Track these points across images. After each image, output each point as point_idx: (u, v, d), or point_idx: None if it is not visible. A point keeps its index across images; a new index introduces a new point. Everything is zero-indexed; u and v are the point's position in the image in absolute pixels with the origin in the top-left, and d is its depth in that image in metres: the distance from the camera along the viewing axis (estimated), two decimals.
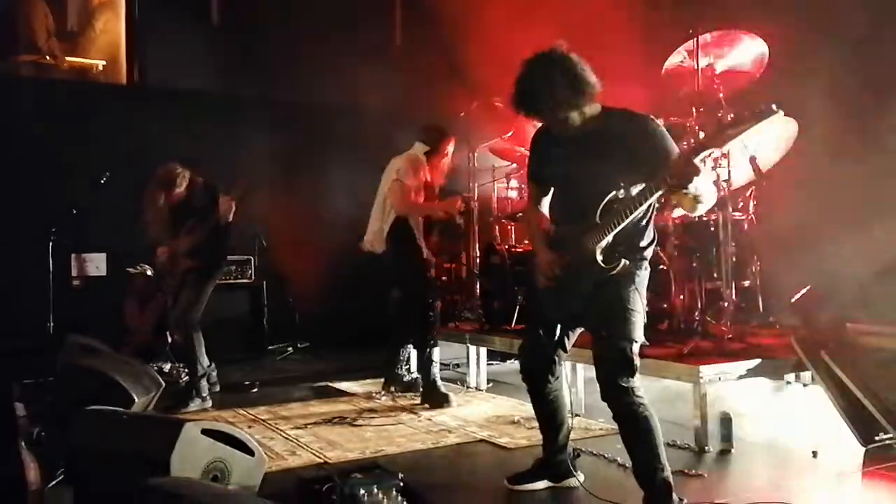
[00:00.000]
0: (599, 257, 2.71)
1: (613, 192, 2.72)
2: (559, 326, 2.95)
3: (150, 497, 2.37)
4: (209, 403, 4.83)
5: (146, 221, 4.98)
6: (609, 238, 2.70)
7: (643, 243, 2.81)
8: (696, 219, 4.66)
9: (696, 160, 2.52)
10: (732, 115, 2.57)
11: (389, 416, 4.46)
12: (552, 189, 3.00)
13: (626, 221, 2.67)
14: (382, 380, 5.24)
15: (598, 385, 2.78)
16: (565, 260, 2.82)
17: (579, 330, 3.02)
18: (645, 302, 2.81)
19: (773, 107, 2.42)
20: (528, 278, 3.14)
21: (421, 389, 4.88)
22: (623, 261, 2.71)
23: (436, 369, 4.84)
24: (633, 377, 2.71)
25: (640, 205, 2.65)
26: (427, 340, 4.85)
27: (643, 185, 2.68)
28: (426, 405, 4.70)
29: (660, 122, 2.80)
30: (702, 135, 4.34)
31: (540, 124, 2.96)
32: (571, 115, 2.72)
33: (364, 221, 5.08)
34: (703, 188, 2.63)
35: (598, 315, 2.79)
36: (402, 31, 8.57)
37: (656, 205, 2.86)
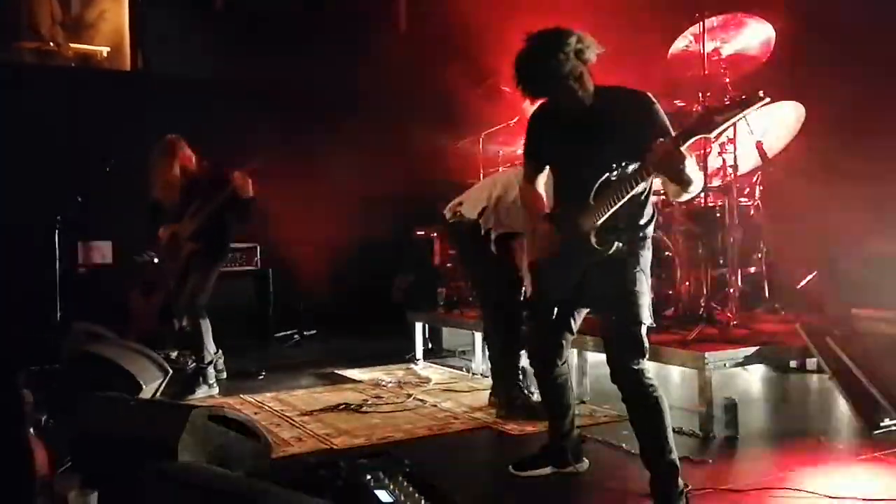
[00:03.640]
0: (593, 239, 2.71)
1: (607, 174, 2.69)
2: (564, 308, 2.95)
3: (157, 482, 2.39)
4: (216, 390, 4.85)
5: (157, 197, 4.95)
6: (603, 219, 2.68)
7: (643, 220, 2.79)
8: (702, 205, 4.66)
9: (683, 148, 2.46)
10: (721, 102, 2.48)
11: (395, 402, 4.47)
12: (549, 168, 2.98)
13: (620, 203, 2.65)
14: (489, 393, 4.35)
15: (604, 371, 2.78)
16: (561, 237, 2.80)
17: (584, 312, 3.01)
18: (650, 282, 2.79)
19: (760, 93, 2.36)
20: (534, 264, 3.13)
21: (499, 401, 4.10)
22: (616, 243, 2.70)
23: (527, 381, 4.02)
24: (642, 359, 2.72)
25: (633, 187, 2.62)
26: (510, 346, 4.08)
27: (637, 164, 2.65)
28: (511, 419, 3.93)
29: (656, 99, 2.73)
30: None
31: (539, 102, 2.91)
32: (576, 89, 2.67)
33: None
34: (691, 175, 2.54)
35: (606, 298, 2.79)
36: (407, 16, 8.52)
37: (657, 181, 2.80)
